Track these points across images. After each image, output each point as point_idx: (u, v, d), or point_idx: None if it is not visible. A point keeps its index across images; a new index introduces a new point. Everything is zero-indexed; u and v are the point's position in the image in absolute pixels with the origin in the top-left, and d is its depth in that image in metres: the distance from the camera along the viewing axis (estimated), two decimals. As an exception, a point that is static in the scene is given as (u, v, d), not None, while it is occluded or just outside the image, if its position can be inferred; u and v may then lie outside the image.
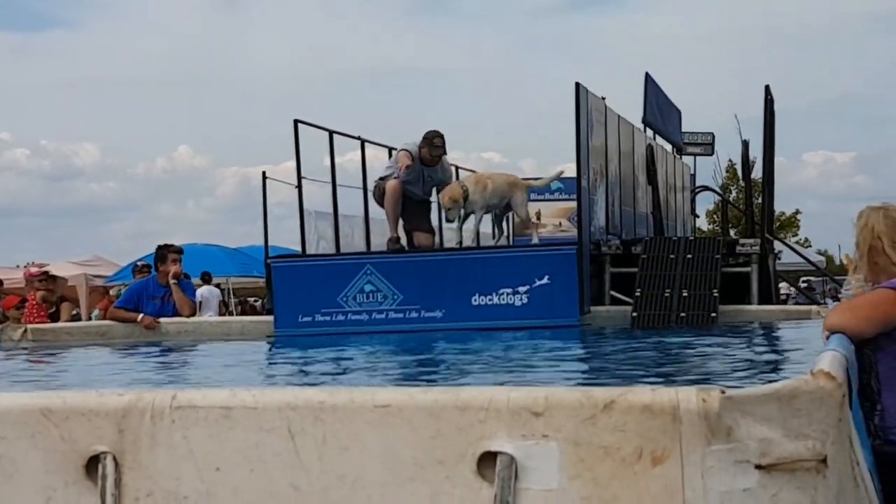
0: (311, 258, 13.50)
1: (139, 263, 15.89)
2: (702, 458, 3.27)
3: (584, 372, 8.08)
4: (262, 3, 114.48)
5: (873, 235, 5.04)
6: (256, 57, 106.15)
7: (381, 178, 13.00)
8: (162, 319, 12.21)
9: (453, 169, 14.52)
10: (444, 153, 12.77)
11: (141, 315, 12.22)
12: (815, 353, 3.98)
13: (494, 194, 12.85)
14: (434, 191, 13.21)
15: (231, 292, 28.21)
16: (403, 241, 12.78)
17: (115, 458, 3.50)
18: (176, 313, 12.34)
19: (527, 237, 15.51)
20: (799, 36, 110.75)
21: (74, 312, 27.26)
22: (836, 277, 20.57)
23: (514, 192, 13.01)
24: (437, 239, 14.27)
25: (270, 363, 10.47)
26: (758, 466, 3.28)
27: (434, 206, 13.73)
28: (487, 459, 3.35)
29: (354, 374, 8.65)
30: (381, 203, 12.95)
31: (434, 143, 12.51)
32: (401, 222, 12.80)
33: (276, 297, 12.43)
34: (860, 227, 5.13)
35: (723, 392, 3.29)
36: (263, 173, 15.29)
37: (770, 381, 3.43)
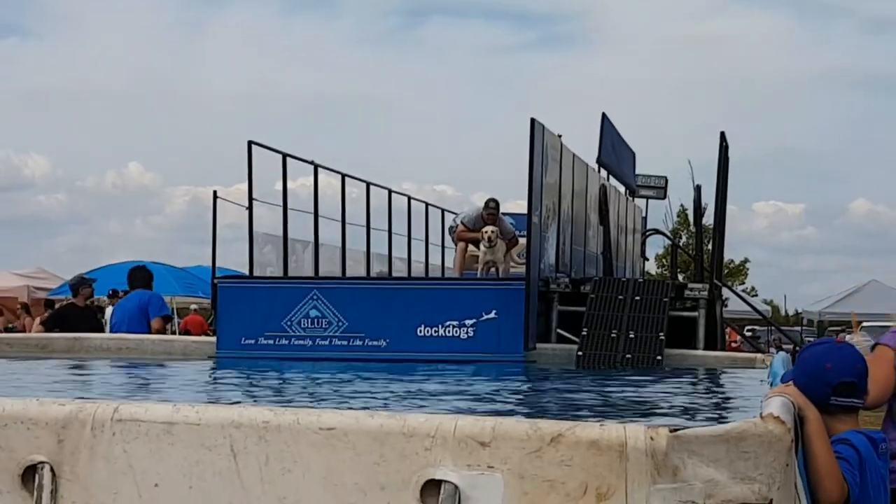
0: (258, 280, 13.42)
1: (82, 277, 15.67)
2: (647, 497, 3.25)
3: (529, 406, 8.04)
4: (221, 25, 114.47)
5: None
6: (213, 78, 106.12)
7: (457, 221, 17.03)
8: (102, 336, 12.12)
9: (511, 225, 16.63)
10: (496, 214, 16.07)
11: None
12: (762, 399, 3.96)
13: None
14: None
15: (175, 311, 27.96)
16: None
17: (52, 469, 3.44)
18: None
19: (474, 271, 15.63)
20: (752, 88, 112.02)
21: (10, 326, 27.00)
22: (782, 328, 20.66)
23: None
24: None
25: (212, 383, 10.34)
26: (702, 507, 3.26)
27: None
28: (431, 487, 3.31)
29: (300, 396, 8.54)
30: (453, 239, 17.32)
31: (488, 205, 16.12)
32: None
33: (221, 317, 12.30)
34: None
35: (671, 431, 3.27)
36: (214, 193, 15.25)
37: (718, 423, 3.41)
